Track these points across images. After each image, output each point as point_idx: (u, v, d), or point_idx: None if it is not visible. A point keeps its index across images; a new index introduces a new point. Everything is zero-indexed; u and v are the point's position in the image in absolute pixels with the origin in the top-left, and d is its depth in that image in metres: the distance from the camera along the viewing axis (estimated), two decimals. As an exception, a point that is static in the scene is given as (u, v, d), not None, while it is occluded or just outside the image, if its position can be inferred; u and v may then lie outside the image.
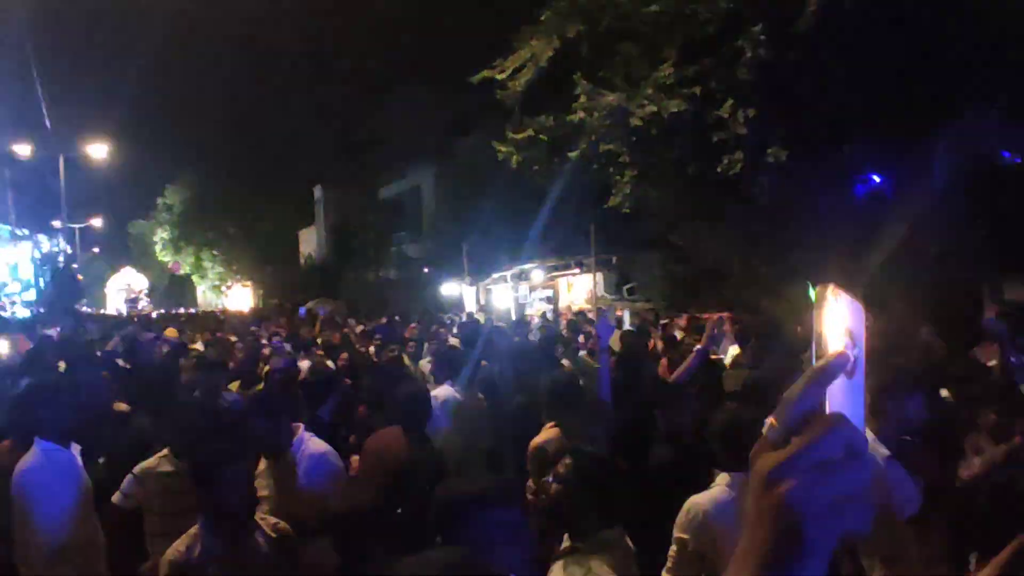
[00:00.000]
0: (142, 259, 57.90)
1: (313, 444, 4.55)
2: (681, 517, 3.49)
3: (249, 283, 52.86)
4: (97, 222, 51.03)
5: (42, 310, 25.11)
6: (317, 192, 47.99)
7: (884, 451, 3.73)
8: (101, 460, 5.05)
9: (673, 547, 3.51)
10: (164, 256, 56.19)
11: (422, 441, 4.86)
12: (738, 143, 12.28)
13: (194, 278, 57.05)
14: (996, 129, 10.27)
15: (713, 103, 12.57)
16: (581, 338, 11.74)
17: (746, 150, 12.20)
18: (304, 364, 10.27)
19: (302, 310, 23.96)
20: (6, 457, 4.37)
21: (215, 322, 23.78)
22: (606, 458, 3.39)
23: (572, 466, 3.05)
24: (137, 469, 4.45)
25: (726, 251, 15.15)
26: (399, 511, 4.10)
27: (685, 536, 3.45)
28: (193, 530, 3.32)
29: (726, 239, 14.76)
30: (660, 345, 10.36)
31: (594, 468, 3.08)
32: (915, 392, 3.91)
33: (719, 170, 12.53)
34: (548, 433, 4.83)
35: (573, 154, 14.49)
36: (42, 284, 31.04)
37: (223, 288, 54.94)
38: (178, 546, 3.26)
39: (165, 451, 4.55)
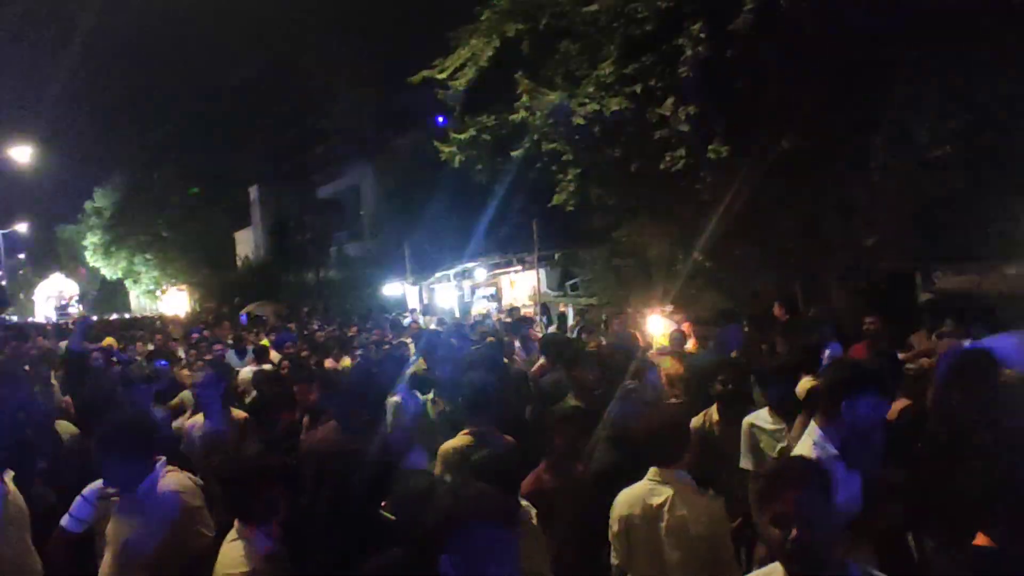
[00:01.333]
0: (71, 264, 56.25)
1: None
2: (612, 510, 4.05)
3: (185, 287, 51.73)
4: (22, 227, 49.45)
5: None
6: (253, 192, 47.26)
7: (832, 450, 3.81)
8: (39, 483, 4.89)
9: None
10: (95, 261, 54.62)
11: (356, 435, 4.82)
12: (680, 140, 12.40)
13: (127, 283, 55.63)
14: (929, 121, 10.54)
15: (654, 101, 12.65)
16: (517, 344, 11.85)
17: (688, 147, 12.33)
18: (247, 371, 10.12)
19: (243, 316, 23.55)
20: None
21: (154, 329, 23.25)
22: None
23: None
24: (87, 491, 4.29)
25: (670, 246, 15.31)
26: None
27: (613, 527, 4.01)
28: None
29: (670, 234, 14.92)
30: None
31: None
32: (866, 391, 3.99)
33: (662, 167, 12.64)
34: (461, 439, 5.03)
35: (516, 153, 14.49)
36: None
37: (157, 293, 53.68)
38: None
39: None
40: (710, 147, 11.97)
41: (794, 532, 2.45)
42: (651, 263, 16.71)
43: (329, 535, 4.17)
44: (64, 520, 4.22)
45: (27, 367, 9.86)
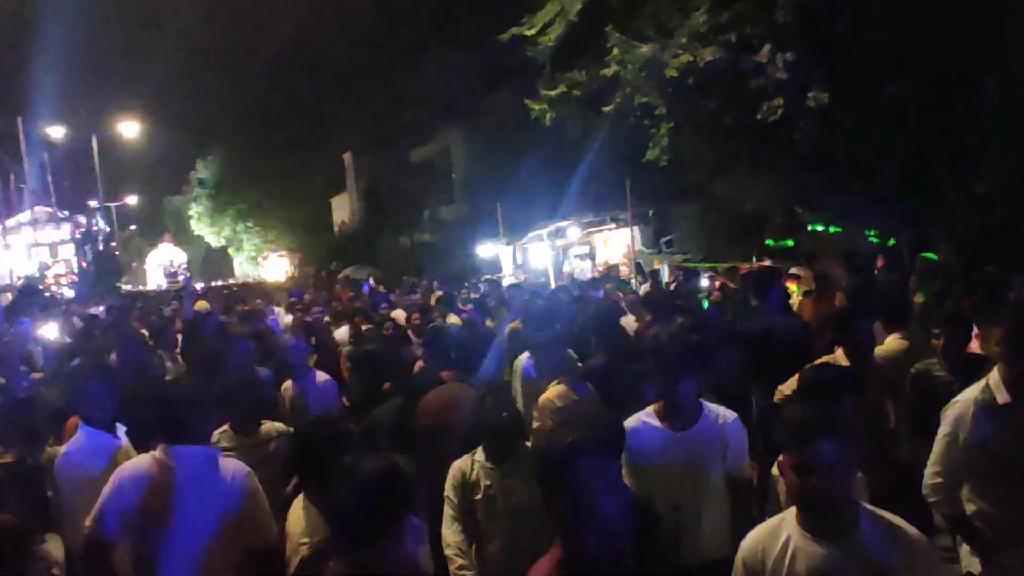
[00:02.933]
0: (179, 234, 58.53)
1: (76, 441, 4.24)
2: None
3: (285, 253, 53.25)
4: (132, 200, 51.65)
5: (85, 290, 25.54)
6: (347, 159, 48.00)
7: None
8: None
9: None
10: (199, 229, 56.68)
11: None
12: (777, 89, 12.02)
13: (230, 251, 57.58)
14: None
15: (750, 49, 12.30)
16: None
17: (786, 95, 11.95)
18: (342, 332, 10.31)
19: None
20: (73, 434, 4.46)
21: (256, 294, 24.02)
22: None
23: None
24: None
25: (766, 199, 14.96)
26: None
27: None
28: None
29: (766, 187, 14.57)
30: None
31: None
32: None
33: (758, 117, 12.30)
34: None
35: (608, 108, 14.31)
36: (84, 264, 31.47)
37: (259, 259, 55.42)
38: None
39: (224, 427, 4.61)
40: (809, 95, 11.57)
41: (814, 481, 2.48)
42: (748, 218, 16.38)
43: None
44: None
45: (146, 332, 10.39)
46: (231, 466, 3.63)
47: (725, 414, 3.92)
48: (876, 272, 11.71)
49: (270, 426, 4.67)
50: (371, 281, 25.06)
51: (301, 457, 3.52)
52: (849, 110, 11.79)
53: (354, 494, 2.57)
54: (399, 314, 11.60)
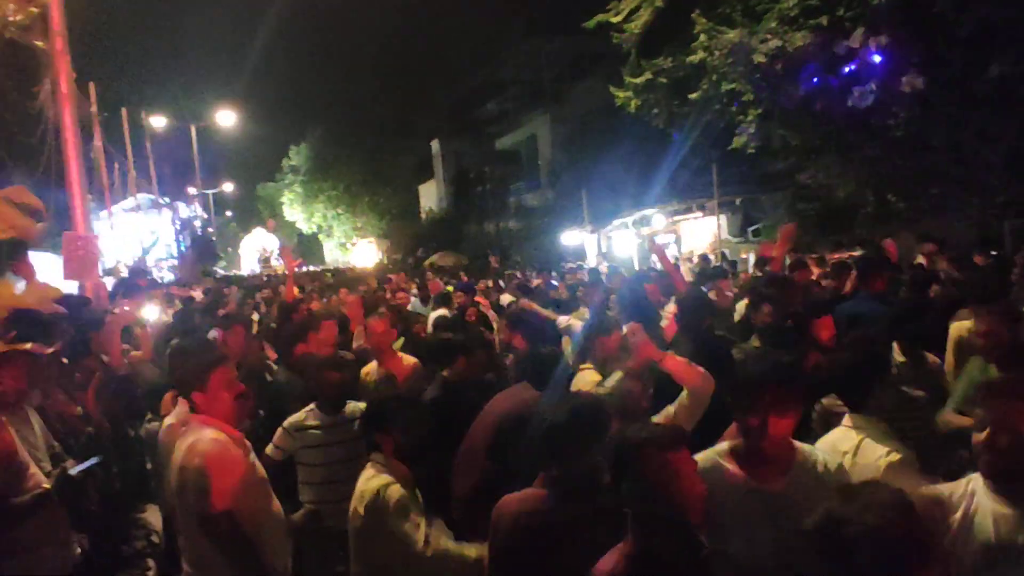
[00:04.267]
0: (272, 219, 60.16)
1: (174, 415, 4.35)
2: None
3: (373, 239, 54.14)
4: (228, 187, 53.27)
5: (184, 274, 26.50)
6: (435, 146, 48.51)
7: None
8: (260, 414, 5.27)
9: None
10: (292, 215, 58.13)
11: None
12: (870, 73, 11.63)
13: (320, 237, 58.87)
14: None
15: (842, 32, 11.92)
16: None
17: (879, 80, 11.55)
18: (433, 315, 10.40)
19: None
20: (170, 408, 4.65)
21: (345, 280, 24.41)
22: None
23: None
24: (287, 423, 4.71)
25: (858, 187, 14.50)
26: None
27: None
28: None
29: (857, 175, 14.12)
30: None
31: None
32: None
33: (850, 103, 11.93)
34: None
35: (694, 95, 14.09)
36: (182, 248, 32.69)
37: (348, 245, 56.49)
38: None
39: (312, 405, 4.76)
40: (904, 79, 11.15)
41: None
42: (838, 206, 15.90)
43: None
44: (268, 448, 4.64)
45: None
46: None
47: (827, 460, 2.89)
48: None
49: (354, 406, 4.78)
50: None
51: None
52: (948, 94, 11.31)
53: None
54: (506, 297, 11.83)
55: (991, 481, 2.49)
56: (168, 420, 4.42)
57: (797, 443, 2.89)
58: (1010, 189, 12.08)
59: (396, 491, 3.43)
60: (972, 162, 12.02)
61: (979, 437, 2.48)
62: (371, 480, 3.50)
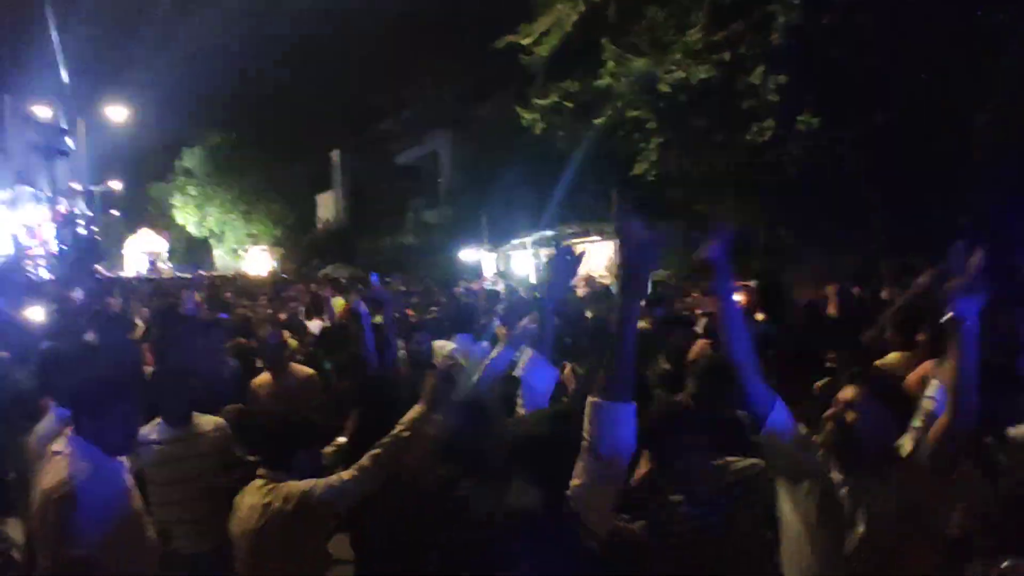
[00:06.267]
0: (161, 221, 58.07)
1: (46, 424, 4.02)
2: None
3: (266, 247, 52.90)
4: (116, 185, 51.13)
5: (63, 272, 25.23)
6: (335, 157, 47.92)
7: None
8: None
9: None
10: (182, 218, 56.26)
11: None
12: (769, 110, 12.07)
13: (211, 241, 57.18)
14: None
15: (743, 69, 12.35)
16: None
17: (776, 118, 12.00)
18: (314, 326, 10.13)
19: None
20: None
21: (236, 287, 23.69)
22: None
23: None
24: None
25: (752, 220, 15.00)
26: None
27: None
28: None
29: (752, 208, 14.60)
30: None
31: None
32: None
33: (748, 138, 12.34)
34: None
35: (599, 120, 14.34)
36: (63, 247, 31.13)
37: (240, 252, 55.03)
38: None
39: (157, 419, 4.36)
40: (799, 118, 11.62)
41: None
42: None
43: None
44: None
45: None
46: None
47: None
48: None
49: (205, 419, 4.44)
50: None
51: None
52: (839, 136, 11.84)
53: None
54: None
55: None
56: (40, 429, 4.08)
57: None
58: (889, 229, 12.68)
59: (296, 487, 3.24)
60: (857, 202, 12.57)
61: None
62: (267, 490, 3.27)
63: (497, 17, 16.68)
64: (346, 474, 3.30)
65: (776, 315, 6.40)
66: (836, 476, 2.77)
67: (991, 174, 10.86)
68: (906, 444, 2.76)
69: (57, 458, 3.12)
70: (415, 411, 3.38)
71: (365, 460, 3.29)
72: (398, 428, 3.35)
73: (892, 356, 5.28)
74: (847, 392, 2.83)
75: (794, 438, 2.80)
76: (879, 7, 10.79)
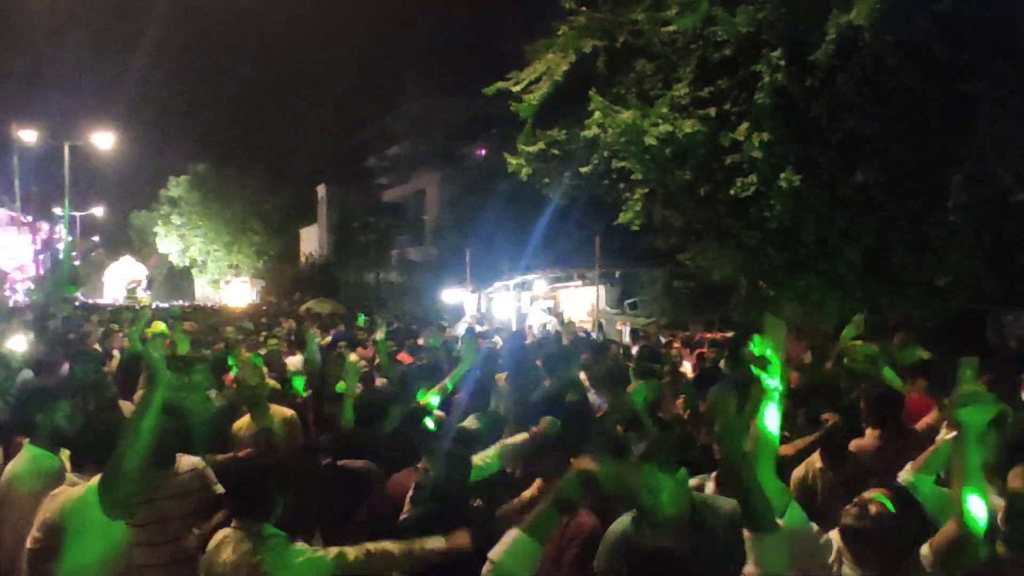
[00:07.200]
0: (144, 250, 57.88)
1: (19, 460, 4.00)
2: None
3: (248, 279, 52.78)
4: (99, 211, 50.97)
5: (40, 297, 25.08)
6: (321, 191, 48.07)
7: None
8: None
9: None
10: (165, 247, 56.02)
11: None
12: (752, 166, 12.32)
13: (193, 271, 56.97)
14: (1014, 163, 10.32)
15: (728, 125, 12.62)
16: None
17: (759, 174, 12.24)
18: (294, 361, 10.11)
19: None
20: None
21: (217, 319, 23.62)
22: None
23: None
24: None
25: (732, 271, 15.19)
26: None
27: None
28: None
29: (733, 259, 14.80)
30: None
31: None
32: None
33: (731, 192, 12.58)
34: None
35: (585, 169, 14.54)
36: (41, 272, 30.94)
37: (221, 283, 54.85)
38: None
39: None
40: (782, 175, 11.86)
41: None
42: (712, 287, 16.57)
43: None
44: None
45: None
46: None
47: None
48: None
49: (185, 460, 4.28)
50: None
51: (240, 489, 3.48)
52: (819, 193, 12.08)
53: None
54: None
55: None
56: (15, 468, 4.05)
57: None
58: (865, 286, 12.89)
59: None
60: (835, 258, 12.79)
61: None
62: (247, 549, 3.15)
63: (488, 60, 16.96)
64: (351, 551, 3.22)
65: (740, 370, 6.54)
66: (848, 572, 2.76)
67: (965, 235, 11.13)
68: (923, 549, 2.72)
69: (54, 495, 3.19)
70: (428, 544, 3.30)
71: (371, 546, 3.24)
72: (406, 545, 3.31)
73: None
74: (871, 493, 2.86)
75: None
76: (859, 73, 11.09)
